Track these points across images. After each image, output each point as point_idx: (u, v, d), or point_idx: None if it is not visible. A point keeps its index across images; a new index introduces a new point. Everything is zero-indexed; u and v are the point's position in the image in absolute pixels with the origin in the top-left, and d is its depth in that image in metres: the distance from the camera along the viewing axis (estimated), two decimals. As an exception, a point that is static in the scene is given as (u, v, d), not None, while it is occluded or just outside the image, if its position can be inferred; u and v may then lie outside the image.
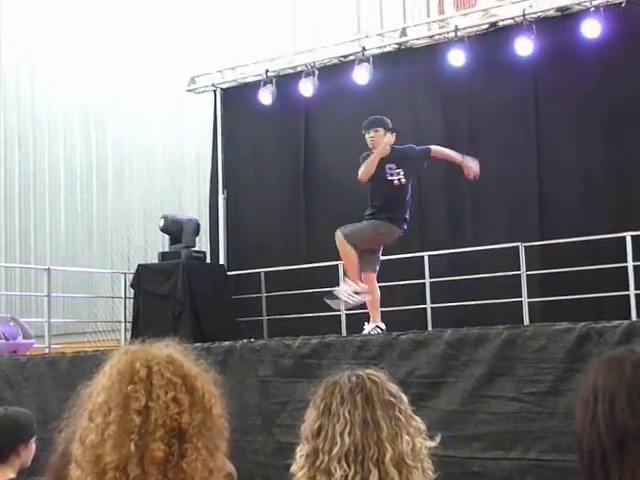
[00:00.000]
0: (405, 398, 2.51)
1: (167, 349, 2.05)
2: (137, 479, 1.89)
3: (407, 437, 2.40)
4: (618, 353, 1.81)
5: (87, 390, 2.01)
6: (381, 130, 8.36)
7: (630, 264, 9.31)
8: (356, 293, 8.33)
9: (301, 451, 2.46)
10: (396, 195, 8.33)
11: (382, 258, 8.64)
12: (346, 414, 2.40)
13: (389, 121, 8.46)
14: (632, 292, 9.26)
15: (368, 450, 2.37)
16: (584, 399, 1.77)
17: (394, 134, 8.39)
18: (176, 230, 12.14)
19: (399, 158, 8.33)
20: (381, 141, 8.33)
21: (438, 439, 2.50)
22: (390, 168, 8.30)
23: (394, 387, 2.52)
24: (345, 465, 2.37)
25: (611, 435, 1.70)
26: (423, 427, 2.49)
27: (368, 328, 8.40)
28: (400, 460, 2.38)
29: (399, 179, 8.31)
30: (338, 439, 2.38)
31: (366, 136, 8.38)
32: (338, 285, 10.95)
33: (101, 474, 1.90)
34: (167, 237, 12.48)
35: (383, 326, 8.41)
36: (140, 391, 1.94)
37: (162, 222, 12.15)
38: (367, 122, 8.48)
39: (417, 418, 2.49)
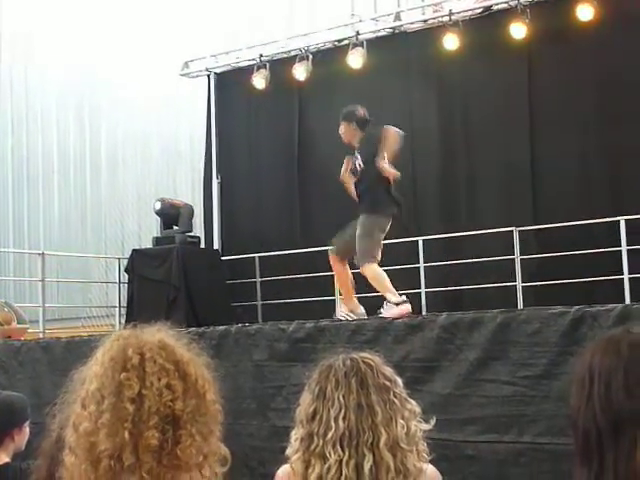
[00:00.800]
0: (400, 381, 2.51)
1: (159, 334, 2.04)
2: (132, 467, 1.89)
3: (402, 421, 2.40)
4: (615, 333, 1.81)
5: (80, 376, 2.00)
6: (344, 124, 8.31)
7: (624, 248, 9.33)
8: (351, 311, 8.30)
9: (296, 434, 2.47)
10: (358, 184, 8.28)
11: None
12: (341, 398, 2.41)
13: (354, 112, 8.30)
14: (626, 276, 9.28)
15: (363, 434, 2.38)
16: (580, 379, 1.76)
17: (355, 125, 8.24)
18: (172, 214, 12.12)
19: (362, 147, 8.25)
20: (345, 135, 8.28)
21: (433, 422, 2.51)
22: (356, 159, 8.24)
23: (389, 370, 2.52)
24: (340, 449, 2.37)
25: (606, 415, 1.70)
26: (418, 410, 2.50)
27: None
28: (395, 444, 2.39)
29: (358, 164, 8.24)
30: (333, 423, 2.38)
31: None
32: (332, 270, 10.99)
33: (95, 462, 1.90)
34: (161, 222, 12.42)
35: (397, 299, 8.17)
36: (133, 379, 1.94)
37: (158, 205, 12.11)
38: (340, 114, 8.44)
39: (412, 401, 2.50)
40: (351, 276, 8.37)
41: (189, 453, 1.92)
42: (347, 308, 8.32)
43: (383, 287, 8.05)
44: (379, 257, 8.08)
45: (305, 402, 2.50)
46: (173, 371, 1.97)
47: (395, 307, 7.83)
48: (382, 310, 7.87)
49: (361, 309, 8.32)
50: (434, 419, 2.52)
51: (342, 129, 8.31)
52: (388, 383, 2.48)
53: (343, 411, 2.40)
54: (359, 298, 8.48)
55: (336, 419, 2.39)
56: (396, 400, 2.45)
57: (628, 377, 1.70)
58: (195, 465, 1.93)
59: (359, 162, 8.17)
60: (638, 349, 1.73)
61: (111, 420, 1.91)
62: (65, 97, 16.30)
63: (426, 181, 11.44)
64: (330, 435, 2.39)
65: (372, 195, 8.13)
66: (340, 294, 8.77)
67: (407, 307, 7.88)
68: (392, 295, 8.03)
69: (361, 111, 8.29)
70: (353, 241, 8.10)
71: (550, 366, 6.26)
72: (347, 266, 8.39)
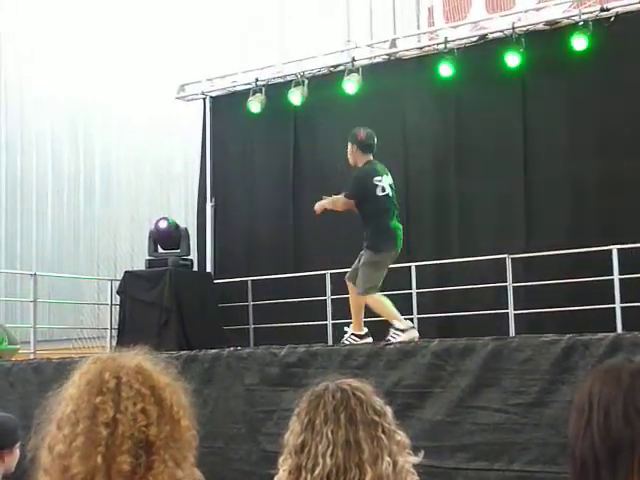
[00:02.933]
0: (390, 412, 2.51)
1: (137, 358, 2.04)
2: None
3: (388, 458, 2.41)
4: (616, 362, 1.81)
5: (57, 398, 2.01)
6: (348, 144, 8.45)
7: (616, 277, 9.34)
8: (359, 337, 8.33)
9: (284, 464, 2.47)
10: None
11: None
12: (329, 434, 2.41)
13: (357, 133, 8.42)
14: (618, 305, 9.29)
15: (349, 472, 2.39)
16: (579, 407, 1.76)
17: (355, 147, 8.38)
18: (174, 236, 12.08)
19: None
20: (349, 155, 8.40)
21: (421, 455, 2.52)
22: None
23: (379, 402, 2.52)
24: None
25: (605, 444, 1.69)
26: (407, 442, 2.50)
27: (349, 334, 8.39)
28: None
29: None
30: (320, 460, 2.39)
31: None
32: (325, 295, 11.00)
33: None
34: (152, 243, 12.33)
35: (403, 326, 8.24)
36: (108, 403, 1.94)
37: (164, 224, 12.04)
38: None
39: (401, 433, 2.50)
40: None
41: (161, 479, 1.92)
42: (355, 333, 8.32)
43: (388, 314, 8.11)
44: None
45: (294, 432, 2.50)
46: (149, 396, 1.97)
47: (402, 333, 7.88)
48: (389, 337, 7.91)
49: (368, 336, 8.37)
50: (422, 452, 2.52)
51: (348, 150, 8.42)
52: (377, 418, 2.48)
53: (331, 447, 2.41)
54: (366, 322, 8.56)
55: (324, 455, 2.40)
56: (384, 436, 2.45)
57: (628, 406, 1.70)
58: None
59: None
60: (638, 378, 1.73)
61: (85, 443, 1.91)
62: (59, 118, 16.32)
63: (419, 207, 11.46)
64: (317, 471, 2.40)
65: (368, 232, 8.28)
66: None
67: (414, 333, 7.95)
68: (398, 321, 8.08)
69: (362, 133, 8.37)
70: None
71: (541, 394, 6.27)
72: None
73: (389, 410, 2.51)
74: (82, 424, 1.93)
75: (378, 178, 8.26)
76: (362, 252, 8.35)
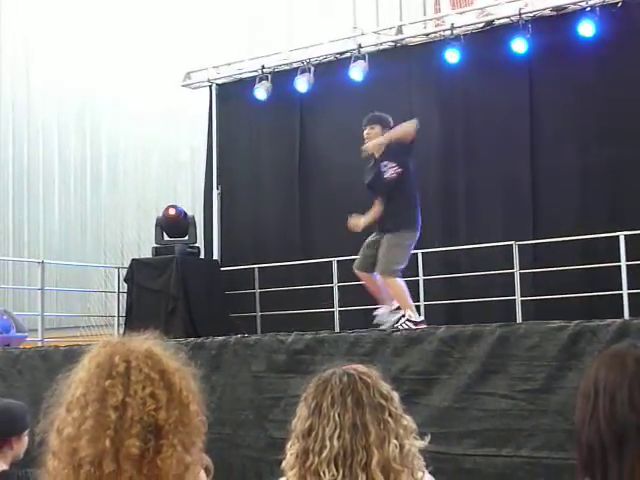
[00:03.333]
0: (397, 397, 2.52)
1: (147, 343, 2.04)
2: (112, 474, 1.89)
3: (395, 441, 2.42)
4: (621, 348, 1.81)
5: (67, 381, 2.01)
6: (377, 127, 8.32)
7: (623, 263, 9.33)
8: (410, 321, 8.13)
9: (291, 449, 2.49)
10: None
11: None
12: (336, 417, 2.43)
13: (388, 118, 8.42)
14: (625, 291, 9.28)
15: (356, 454, 2.40)
16: (585, 393, 1.76)
17: (387, 130, 8.34)
18: (182, 224, 12.09)
19: (388, 151, 8.29)
20: (374, 137, 8.29)
21: (428, 439, 2.53)
22: (384, 165, 8.29)
23: (385, 387, 2.53)
24: (334, 469, 2.39)
25: (611, 430, 1.70)
26: (413, 426, 2.52)
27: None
28: (387, 464, 2.41)
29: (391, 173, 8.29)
30: (327, 442, 2.40)
31: (364, 132, 8.37)
32: (331, 282, 11.01)
33: (77, 467, 1.91)
34: (160, 230, 12.35)
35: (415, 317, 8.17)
36: (117, 386, 1.94)
37: (173, 211, 12.05)
38: (366, 118, 8.45)
39: (408, 417, 2.51)
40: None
41: (170, 463, 1.92)
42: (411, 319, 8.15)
43: (405, 302, 8.08)
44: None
45: (301, 416, 2.51)
46: (158, 380, 1.97)
47: (412, 325, 7.86)
48: (400, 325, 7.88)
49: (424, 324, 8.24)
50: (429, 436, 2.53)
51: (373, 132, 8.30)
52: (384, 402, 2.49)
53: (338, 430, 2.42)
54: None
55: (331, 438, 2.41)
56: (390, 419, 2.47)
57: (633, 392, 1.70)
58: (176, 476, 1.94)
59: (389, 165, 8.21)
60: None
61: (94, 427, 1.91)
62: (66, 106, 16.33)
63: (426, 194, 11.40)
64: (325, 454, 2.41)
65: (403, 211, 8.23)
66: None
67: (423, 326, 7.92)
68: (412, 312, 8.06)
69: (390, 119, 8.38)
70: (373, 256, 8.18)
71: (549, 380, 6.27)
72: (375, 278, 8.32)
73: (396, 395, 2.52)
74: (91, 407, 1.93)
75: None
76: (377, 236, 8.26)
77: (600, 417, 1.71)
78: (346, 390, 2.47)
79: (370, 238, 8.41)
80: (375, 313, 8.31)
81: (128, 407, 1.92)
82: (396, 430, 2.44)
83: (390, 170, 8.21)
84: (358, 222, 8.41)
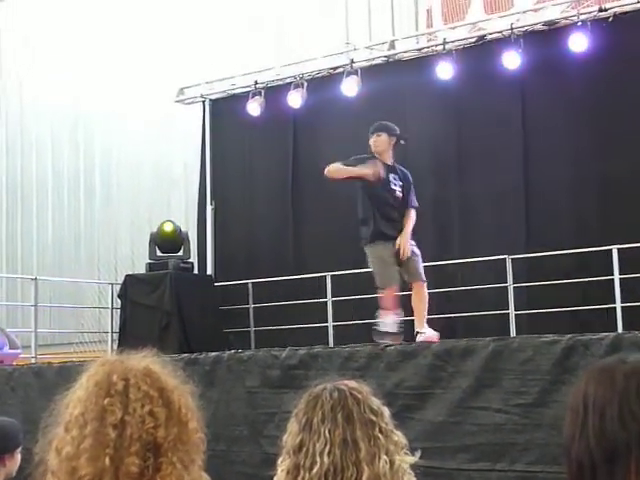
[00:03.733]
0: (387, 413, 2.53)
1: (145, 361, 2.04)
2: None
3: (385, 457, 2.43)
4: (610, 363, 1.80)
5: (65, 400, 2.01)
6: (384, 135, 8.33)
7: (617, 277, 9.34)
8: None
9: (282, 465, 2.49)
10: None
11: (366, 270, 8.62)
12: (327, 433, 2.43)
13: (395, 126, 8.44)
14: (618, 305, 9.29)
15: (347, 470, 2.40)
16: (574, 408, 1.75)
17: (396, 140, 8.37)
18: (177, 240, 12.11)
19: (401, 176, 8.34)
20: (382, 145, 8.30)
21: (418, 454, 2.53)
22: (395, 178, 8.30)
23: (376, 402, 2.54)
24: None
25: (601, 446, 1.68)
26: (404, 442, 2.52)
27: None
28: None
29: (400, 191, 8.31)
30: (318, 458, 2.41)
31: (370, 140, 8.37)
32: (325, 297, 11.01)
33: None
34: (153, 246, 12.34)
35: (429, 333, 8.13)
36: (116, 404, 1.94)
37: (170, 227, 12.07)
38: (373, 126, 8.46)
39: (398, 433, 2.52)
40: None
41: None
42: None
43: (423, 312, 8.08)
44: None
45: (292, 432, 2.52)
46: (157, 398, 1.97)
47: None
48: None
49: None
50: (419, 451, 2.54)
51: (380, 139, 8.30)
52: (374, 417, 2.50)
53: (329, 446, 2.43)
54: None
55: (321, 454, 2.42)
56: (381, 435, 2.47)
57: (623, 408, 1.69)
58: None
59: (399, 184, 8.24)
60: (633, 379, 1.72)
61: (93, 445, 1.91)
62: (60, 121, 16.33)
63: (420, 208, 11.45)
64: (315, 470, 2.41)
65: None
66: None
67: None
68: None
69: (398, 129, 8.42)
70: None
71: (542, 394, 6.27)
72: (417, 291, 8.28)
73: (386, 410, 2.53)
74: (90, 426, 1.93)
75: None
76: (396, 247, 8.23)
77: (590, 433, 1.70)
78: (337, 406, 2.47)
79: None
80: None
81: (127, 425, 1.92)
82: (386, 446, 2.45)
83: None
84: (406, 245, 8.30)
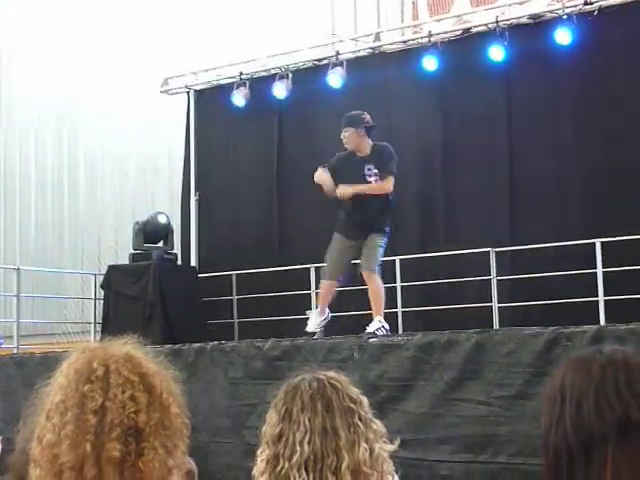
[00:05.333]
0: (366, 401, 2.54)
1: (126, 347, 2.03)
2: (94, 479, 1.88)
3: (365, 444, 2.44)
4: (586, 353, 1.82)
5: (46, 389, 2.00)
6: (350, 130, 8.34)
7: (599, 270, 9.38)
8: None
9: (262, 455, 2.50)
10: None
11: (353, 262, 8.67)
12: (306, 422, 2.44)
13: (360, 115, 8.42)
14: (601, 298, 9.33)
15: (327, 458, 2.41)
16: (551, 398, 1.77)
17: (365, 130, 8.36)
18: (164, 232, 12.08)
19: (376, 160, 8.31)
20: (352, 141, 8.30)
21: (397, 442, 2.54)
22: (369, 169, 8.29)
23: (355, 391, 2.55)
24: (304, 473, 2.41)
25: (578, 435, 1.71)
26: (383, 430, 2.53)
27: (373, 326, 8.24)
28: (357, 467, 2.42)
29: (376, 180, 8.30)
30: (298, 447, 2.41)
31: (341, 135, 8.38)
32: (309, 289, 11.00)
33: (58, 473, 1.89)
34: (142, 237, 12.27)
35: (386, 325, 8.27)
36: (97, 390, 1.92)
37: (164, 218, 12.07)
38: (343, 119, 8.46)
39: (377, 422, 2.53)
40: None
41: (152, 466, 1.90)
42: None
43: (381, 306, 8.14)
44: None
45: (271, 422, 2.52)
46: (138, 383, 1.95)
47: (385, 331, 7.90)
48: (377, 330, 7.89)
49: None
50: (398, 440, 2.55)
51: (348, 135, 8.30)
52: (353, 405, 2.51)
53: (308, 435, 2.43)
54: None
55: (301, 443, 2.42)
56: (360, 423, 2.49)
57: (599, 398, 1.71)
58: (159, 478, 1.93)
59: (374, 172, 8.23)
60: (609, 369, 1.75)
61: (74, 432, 1.90)
62: (44, 112, 16.25)
63: (404, 200, 11.44)
64: (295, 458, 2.42)
65: (385, 214, 8.28)
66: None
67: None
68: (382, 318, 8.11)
69: (367, 116, 8.37)
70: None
71: (525, 386, 6.30)
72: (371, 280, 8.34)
73: (365, 399, 2.54)
74: (70, 412, 1.91)
75: None
76: (358, 238, 8.28)
77: (567, 423, 1.72)
78: (316, 395, 2.48)
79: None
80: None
81: (108, 411, 1.91)
82: (366, 434, 2.46)
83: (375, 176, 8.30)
84: (347, 190, 8.31)
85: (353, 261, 8.64)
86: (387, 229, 8.42)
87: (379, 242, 8.22)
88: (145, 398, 1.94)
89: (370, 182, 8.22)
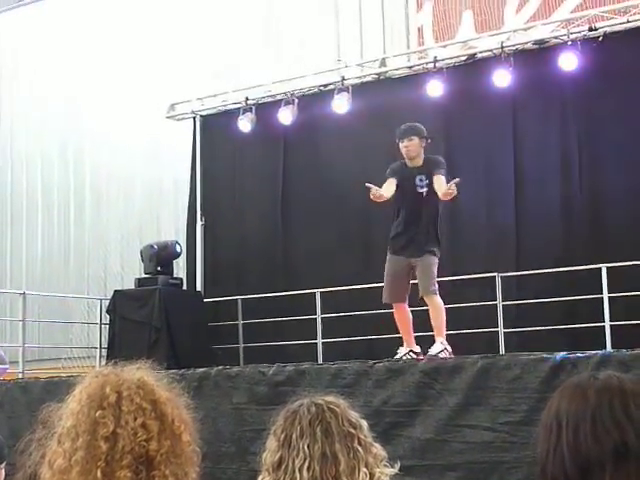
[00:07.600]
0: (365, 425, 2.53)
1: (139, 373, 2.03)
2: None
3: (365, 469, 2.42)
4: (581, 380, 1.82)
5: (58, 413, 1.99)
6: (416, 139, 8.30)
7: (605, 295, 9.35)
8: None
9: None
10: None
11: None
12: (305, 448, 2.42)
13: (423, 128, 8.44)
14: (607, 323, 9.30)
15: None
16: (547, 425, 1.77)
17: (427, 141, 8.38)
18: (174, 259, 12.16)
19: (429, 169, 8.26)
20: (415, 150, 8.25)
21: (398, 466, 2.53)
22: (421, 179, 8.25)
23: (354, 415, 2.54)
24: None
25: (575, 462, 1.70)
26: (383, 454, 2.52)
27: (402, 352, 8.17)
28: None
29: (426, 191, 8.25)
30: (297, 474, 2.40)
31: (400, 145, 8.32)
32: (315, 314, 10.98)
33: None
34: (142, 263, 12.30)
35: (417, 349, 8.22)
36: (108, 417, 1.92)
37: (178, 248, 12.17)
38: (401, 131, 8.40)
39: (377, 445, 2.51)
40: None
41: None
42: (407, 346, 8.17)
43: (443, 327, 8.10)
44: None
45: (271, 449, 2.51)
46: (150, 411, 1.95)
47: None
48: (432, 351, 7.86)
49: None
50: (398, 463, 2.53)
51: (412, 143, 8.24)
52: (353, 430, 2.49)
53: (308, 461, 2.42)
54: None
55: (301, 469, 2.41)
56: (360, 448, 2.47)
57: (596, 423, 1.71)
58: None
59: (425, 183, 8.18)
60: (605, 395, 1.74)
61: (85, 458, 1.89)
62: (50, 136, 16.31)
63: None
64: None
65: (433, 232, 8.22)
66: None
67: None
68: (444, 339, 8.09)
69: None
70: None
71: (530, 412, 6.26)
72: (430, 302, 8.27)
73: (364, 423, 2.52)
74: (82, 438, 1.91)
75: None
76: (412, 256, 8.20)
77: (564, 450, 1.71)
78: (314, 421, 2.47)
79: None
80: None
81: (119, 438, 1.90)
82: (366, 458, 2.44)
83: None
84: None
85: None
86: (439, 244, 8.29)
87: (432, 260, 8.14)
88: (157, 426, 1.93)
89: (422, 193, 8.18)
